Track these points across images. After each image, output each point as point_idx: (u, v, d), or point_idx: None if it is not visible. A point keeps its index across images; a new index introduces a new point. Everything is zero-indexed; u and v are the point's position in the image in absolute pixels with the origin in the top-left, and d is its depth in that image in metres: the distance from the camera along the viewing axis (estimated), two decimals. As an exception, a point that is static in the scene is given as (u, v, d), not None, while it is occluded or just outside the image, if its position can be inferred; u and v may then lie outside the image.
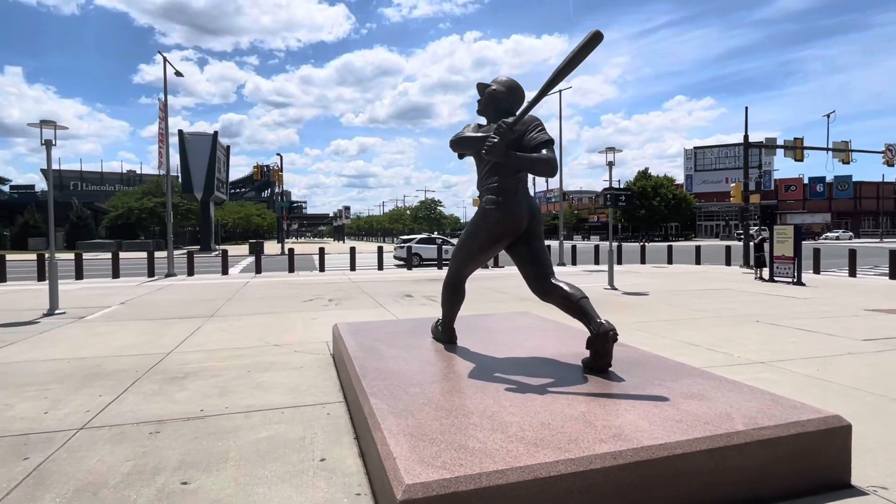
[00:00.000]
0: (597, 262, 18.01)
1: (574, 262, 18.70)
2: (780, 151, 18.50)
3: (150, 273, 14.80)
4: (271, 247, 38.39)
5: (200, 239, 37.72)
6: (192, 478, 2.29)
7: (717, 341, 5.19)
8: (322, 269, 16.47)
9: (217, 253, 33.76)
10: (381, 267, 16.71)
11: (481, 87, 3.53)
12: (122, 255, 18.52)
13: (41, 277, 13.93)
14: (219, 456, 2.51)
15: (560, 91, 18.79)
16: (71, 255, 15.55)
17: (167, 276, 14.73)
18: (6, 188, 65.39)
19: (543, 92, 2.94)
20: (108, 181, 79.73)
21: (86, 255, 19.25)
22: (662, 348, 4.76)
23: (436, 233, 41.70)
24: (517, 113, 3.00)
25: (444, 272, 16.56)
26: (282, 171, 34.67)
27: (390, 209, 64.67)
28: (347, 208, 71.69)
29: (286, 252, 18.65)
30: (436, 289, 10.46)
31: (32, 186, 66.84)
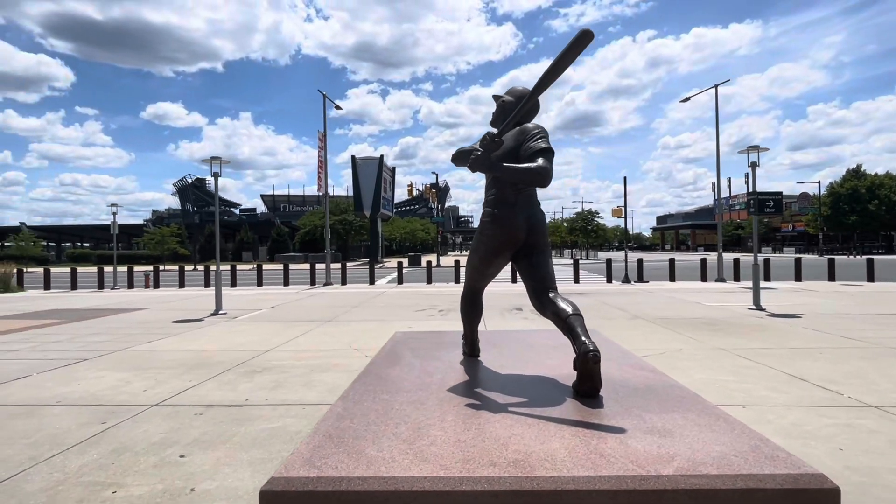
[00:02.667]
0: (768, 277, 15.56)
1: (737, 278, 16.41)
2: None
3: (312, 282, 17.00)
4: (431, 259, 40.91)
5: (370, 252, 41.84)
6: (190, 453, 2.72)
7: (838, 377, 4.22)
8: (457, 280, 17.09)
9: (382, 265, 37.16)
10: (514, 280, 16.72)
11: (496, 99, 3.51)
12: (301, 266, 21.59)
13: (233, 284, 16.97)
14: (224, 439, 2.93)
15: (716, 87, 16.80)
16: (260, 266, 18.65)
17: (325, 284, 16.76)
18: (237, 211, 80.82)
19: (529, 100, 2.84)
20: (308, 202, 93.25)
21: (269, 267, 22.88)
22: (752, 379, 4.08)
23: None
24: (503, 124, 2.94)
25: (584, 286, 16.04)
26: (435, 189, 36.79)
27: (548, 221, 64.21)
28: (506, 222, 73.12)
29: (439, 264, 19.84)
30: (551, 303, 10.19)
31: (255, 209, 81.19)
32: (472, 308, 3.59)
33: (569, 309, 2.82)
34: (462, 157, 3.27)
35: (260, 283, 17.03)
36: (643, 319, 7.71)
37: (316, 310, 9.64)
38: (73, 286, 17.38)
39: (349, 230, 46.53)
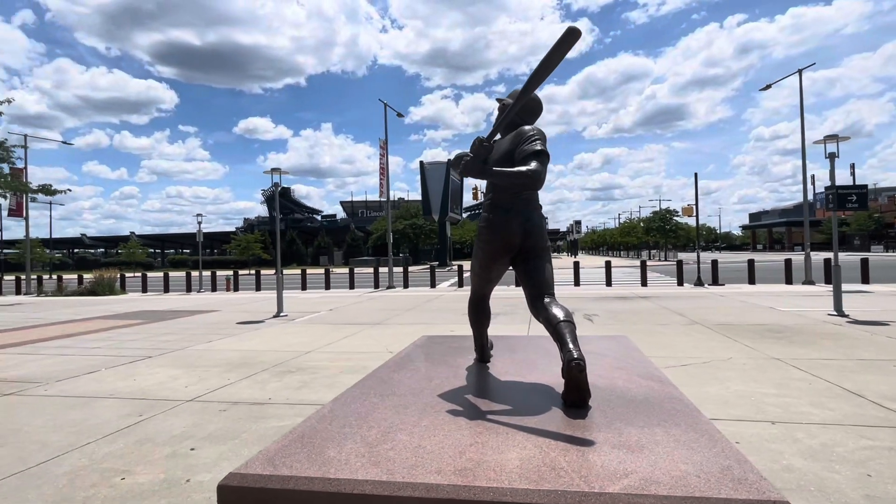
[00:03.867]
0: (867, 280, 14.00)
1: (828, 280, 14.87)
2: None
3: (376, 285, 17.52)
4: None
5: (438, 255, 42.39)
6: (201, 446, 2.94)
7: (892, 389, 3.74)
8: (518, 283, 16.88)
9: (450, 268, 37.51)
10: (577, 283, 16.26)
11: (500, 102, 3.47)
12: (371, 270, 22.32)
13: (304, 287, 17.86)
14: (234, 434, 3.13)
15: (800, 71, 15.36)
16: (328, 270, 19.52)
17: (387, 288, 17.21)
18: (318, 217, 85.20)
19: (517, 103, 2.79)
20: (384, 208, 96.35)
21: (340, 270, 23.83)
22: (797, 393, 3.73)
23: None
24: (493, 128, 2.91)
25: (650, 289, 15.29)
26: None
27: (624, 221, 61.40)
28: (578, 223, 70.84)
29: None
30: (611, 307, 9.84)
31: (335, 215, 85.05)
32: (478, 314, 3.57)
33: (560, 315, 2.74)
34: (456, 163, 3.28)
35: (328, 287, 17.81)
36: (701, 325, 7.24)
37: (369, 313, 9.93)
38: (166, 289, 19.11)
39: (419, 234, 47.40)
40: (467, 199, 56.96)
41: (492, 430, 2.26)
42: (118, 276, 19.09)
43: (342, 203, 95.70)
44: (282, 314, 9.86)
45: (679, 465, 1.83)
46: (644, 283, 15.59)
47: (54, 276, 21.35)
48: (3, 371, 5.18)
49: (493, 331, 7.11)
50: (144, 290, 19.24)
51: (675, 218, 44.62)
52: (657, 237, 46.07)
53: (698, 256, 16.24)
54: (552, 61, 2.66)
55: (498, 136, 3.43)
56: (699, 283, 14.87)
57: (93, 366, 5.33)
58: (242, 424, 3.31)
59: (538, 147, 2.93)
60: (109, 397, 4.06)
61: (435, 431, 2.28)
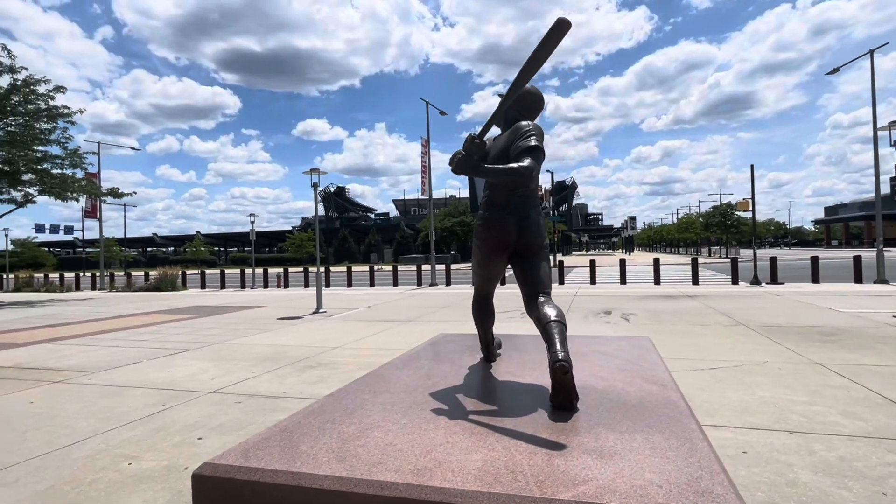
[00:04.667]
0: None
1: (905, 279, 13.65)
2: None
3: (419, 282, 17.69)
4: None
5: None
6: (208, 436, 3.08)
7: (958, 405, 3.39)
8: (561, 282, 16.58)
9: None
10: (623, 281, 15.75)
11: (500, 96, 3.42)
12: (409, 267, 22.59)
13: (349, 284, 18.30)
14: (241, 426, 3.26)
15: (871, 52, 14.10)
16: (372, 268, 19.90)
17: (430, 285, 17.34)
18: (372, 216, 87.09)
19: (507, 98, 2.74)
20: (436, 205, 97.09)
21: (387, 267, 24.20)
22: (830, 402, 3.47)
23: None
24: (484, 125, 2.87)
25: (701, 288, 14.71)
26: (551, 188, 35.91)
27: (682, 216, 58.65)
28: (633, 219, 68.38)
29: (555, 265, 19.29)
30: (652, 306, 9.49)
31: (387, 213, 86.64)
32: (481, 312, 3.54)
33: (550, 315, 2.68)
34: (452, 161, 3.26)
35: (372, 284, 18.16)
36: (744, 326, 6.84)
37: (405, 310, 10.05)
38: (222, 286, 20.12)
39: (467, 231, 47.34)
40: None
41: (468, 431, 2.25)
42: (179, 273, 20.28)
43: (395, 201, 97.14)
44: (321, 310, 10.15)
45: (645, 474, 1.75)
46: (695, 281, 14.89)
47: (129, 274, 22.99)
48: (59, 360, 5.63)
49: (516, 329, 7.02)
50: (203, 286, 20.33)
51: (737, 213, 42.25)
52: (717, 233, 43.80)
53: (755, 254, 15.32)
54: (542, 54, 2.60)
55: (498, 132, 3.39)
56: (755, 281, 14.05)
57: (136, 357, 5.70)
58: (252, 416, 3.45)
59: (532, 143, 2.87)
60: (142, 387, 4.33)
61: (411, 430, 2.28)
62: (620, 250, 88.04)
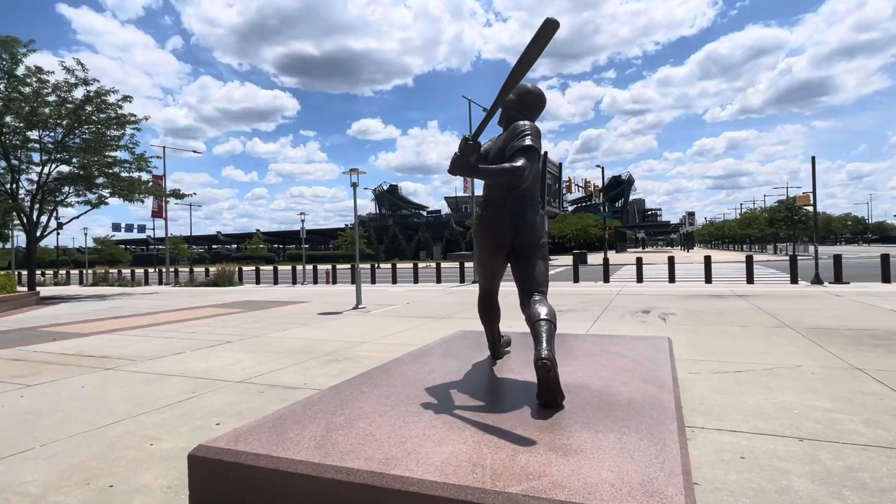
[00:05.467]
0: None
1: None
2: None
3: (461, 279, 17.80)
4: (595, 258, 39.11)
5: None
6: (226, 422, 3.31)
7: None
8: (606, 279, 16.21)
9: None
10: (672, 280, 15.20)
11: (504, 97, 3.44)
12: (466, 264, 22.73)
13: (394, 281, 18.66)
14: (257, 413, 3.46)
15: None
16: (416, 265, 20.21)
17: (473, 282, 17.39)
18: (424, 213, 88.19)
19: (499, 100, 2.77)
20: (472, 203, 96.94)
21: (433, 264, 24.45)
22: (856, 410, 3.30)
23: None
24: (478, 126, 2.91)
25: (755, 287, 14.12)
26: (601, 184, 34.96)
27: (745, 211, 55.47)
28: (691, 214, 65.30)
29: (604, 262, 18.85)
30: (695, 306, 9.16)
31: (440, 211, 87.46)
32: (486, 310, 3.59)
33: (540, 314, 2.71)
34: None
35: (416, 281, 18.44)
36: (790, 328, 6.50)
37: (442, 307, 10.18)
38: (275, 282, 21.03)
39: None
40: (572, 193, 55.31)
41: (447, 424, 2.32)
42: (236, 269, 21.38)
43: (446, 198, 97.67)
44: (360, 306, 10.46)
45: (602, 472, 1.78)
46: (749, 280, 14.17)
47: (191, 269, 24.48)
48: (115, 349, 6.15)
49: (579, 329, 6.96)
50: (258, 282, 21.34)
51: (805, 208, 39.56)
52: (783, 228, 41.21)
53: (816, 251, 14.37)
54: (531, 56, 2.63)
55: (501, 133, 3.42)
56: (817, 280, 13.19)
57: (182, 348, 6.13)
58: (270, 405, 3.66)
59: (526, 143, 2.90)
60: (179, 376, 4.67)
61: (394, 421, 2.39)
62: (679, 247, 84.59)
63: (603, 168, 37.11)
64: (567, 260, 38.72)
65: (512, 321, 7.37)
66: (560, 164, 44.32)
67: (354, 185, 10.60)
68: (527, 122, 3.03)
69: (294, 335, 6.98)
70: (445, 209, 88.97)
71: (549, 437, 2.13)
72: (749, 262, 14.54)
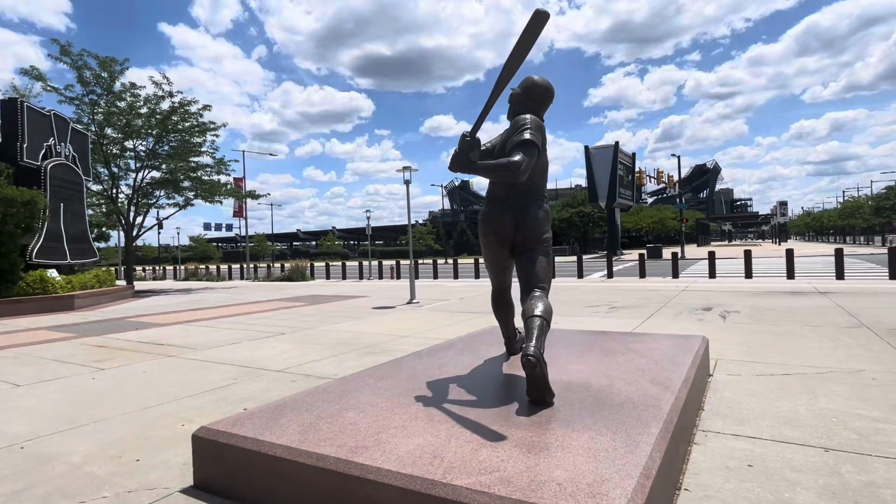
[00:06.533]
0: None
1: None
2: None
3: (522, 275, 17.61)
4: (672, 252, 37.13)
5: (607, 244, 40.42)
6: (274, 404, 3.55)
7: None
8: (675, 275, 15.38)
9: (618, 257, 35.52)
10: (748, 275, 14.15)
11: (511, 90, 3.40)
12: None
13: (455, 276, 18.82)
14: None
15: None
16: (477, 260, 20.25)
17: (533, 278, 17.17)
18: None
19: (495, 95, 2.75)
20: (561, 195, 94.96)
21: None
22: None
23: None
24: (475, 122, 2.91)
25: (846, 283, 12.98)
26: (678, 175, 33.09)
27: (847, 199, 50.01)
28: (784, 204, 59.81)
29: (683, 256, 17.87)
30: (764, 303, 8.53)
31: None
32: (499, 307, 3.59)
33: (534, 311, 2.69)
34: None
35: (477, 276, 18.49)
36: (866, 329, 5.89)
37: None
38: (343, 277, 21.91)
39: (587, 222, 45.69)
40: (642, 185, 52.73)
41: (428, 417, 2.38)
42: (308, 265, 22.52)
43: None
44: (413, 301, 10.68)
45: (555, 471, 1.76)
46: (839, 275, 12.89)
47: (269, 265, 26.11)
48: (182, 339, 6.74)
49: (588, 325, 6.75)
50: (328, 277, 22.35)
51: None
52: (892, 217, 36.86)
53: (922, 243, 12.75)
54: (523, 49, 2.61)
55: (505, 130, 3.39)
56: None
57: (239, 339, 6.60)
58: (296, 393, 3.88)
59: (525, 137, 2.87)
60: (228, 364, 5.05)
61: (380, 412, 2.47)
62: (771, 240, 78.13)
63: (679, 157, 35.07)
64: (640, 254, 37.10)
65: (564, 317, 7.20)
66: (633, 154, 42.39)
67: (407, 183, 10.82)
68: (528, 116, 2.99)
69: (343, 328, 7.29)
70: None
71: (521, 434, 2.12)
72: (839, 255, 13.21)
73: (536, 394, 2.47)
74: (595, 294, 11.06)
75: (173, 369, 4.88)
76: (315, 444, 2.08)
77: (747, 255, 14.40)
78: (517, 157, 2.77)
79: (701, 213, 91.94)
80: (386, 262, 24.03)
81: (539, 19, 2.52)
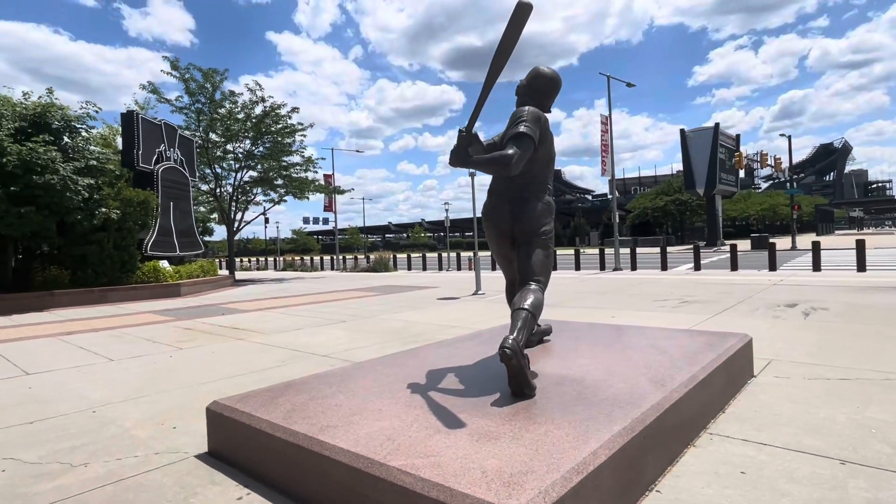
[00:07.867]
0: None
1: None
2: None
3: (602, 267, 17.01)
4: (785, 242, 33.67)
5: (706, 234, 37.64)
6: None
7: None
8: (772, 267, 14.02)
9: (717, 248, 33.00)
10: (861, 268, 12.55)
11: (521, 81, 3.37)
12: (623, 250, 21.71)
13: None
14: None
15: None
16: (554, 251, 19.81)
17: (613, 269, 16.52)
18: (589, 197, 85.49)
19: (486, 90, 2.77)
20: (659, 182, 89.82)
21: (589, 251, 23.68)
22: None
23: None
24: (471, 115, 2.93)
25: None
26: (792, 155, 29.84)
27: None
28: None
29: (794, 246, 16.33)
30: (861, 300, 7.62)
31: (606, 194, 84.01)
32: (511, 299, 3.58)
33: (521, 303, 2.72)
34: None
35: (555, 268, 18.14)
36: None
37: (558, 295, 9.98)
38: (423, 268, 22.51)
39: (684, 210, 42.76)
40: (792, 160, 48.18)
41: (407, 403, 2.51)
42: (391, 256, 23.42)
43: (610, 182, 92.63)
44: (479, 292, 10.78)
45: (489, 460, 1.82)
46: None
47: (356, 257, 27.51)
48: (257, 324, 7.40)
49: (647, 321, 6.42)
50: (409, 268, 23.10)
51: None
52: None
53: None
54: (509, 43, 2.63)
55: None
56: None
57: (303, 325, 7.12)
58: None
59: (520, 129, 2.87)
60: (283, 348, 5.51)
61: (367, 396, 2.64)
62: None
63: (790, 136, 31.61)
64: (745, 245, 34.08)
65: (561, 308, 7.05)
66: (737, 136, 38.88)
67: (472, 175, 10.90)
68: (526, 108, 2.97)
69: (400, 317, 7.58)
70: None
71: (481, 423, 2.17)
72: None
73: (516, 386, 2.49)
74: (671, 287, 10.45)
75: (237, 351, 5.42)
76: (293, 422, 2.29)
77: (859, 245, 12.78)
78: (510, 151, 2.78)
79: (824, 198, 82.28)
80: (465, 254, 24.33)
81: (522, 11, 2.51)
